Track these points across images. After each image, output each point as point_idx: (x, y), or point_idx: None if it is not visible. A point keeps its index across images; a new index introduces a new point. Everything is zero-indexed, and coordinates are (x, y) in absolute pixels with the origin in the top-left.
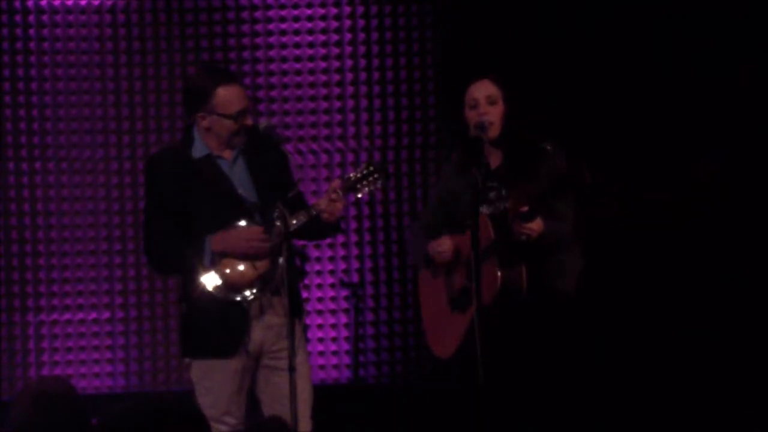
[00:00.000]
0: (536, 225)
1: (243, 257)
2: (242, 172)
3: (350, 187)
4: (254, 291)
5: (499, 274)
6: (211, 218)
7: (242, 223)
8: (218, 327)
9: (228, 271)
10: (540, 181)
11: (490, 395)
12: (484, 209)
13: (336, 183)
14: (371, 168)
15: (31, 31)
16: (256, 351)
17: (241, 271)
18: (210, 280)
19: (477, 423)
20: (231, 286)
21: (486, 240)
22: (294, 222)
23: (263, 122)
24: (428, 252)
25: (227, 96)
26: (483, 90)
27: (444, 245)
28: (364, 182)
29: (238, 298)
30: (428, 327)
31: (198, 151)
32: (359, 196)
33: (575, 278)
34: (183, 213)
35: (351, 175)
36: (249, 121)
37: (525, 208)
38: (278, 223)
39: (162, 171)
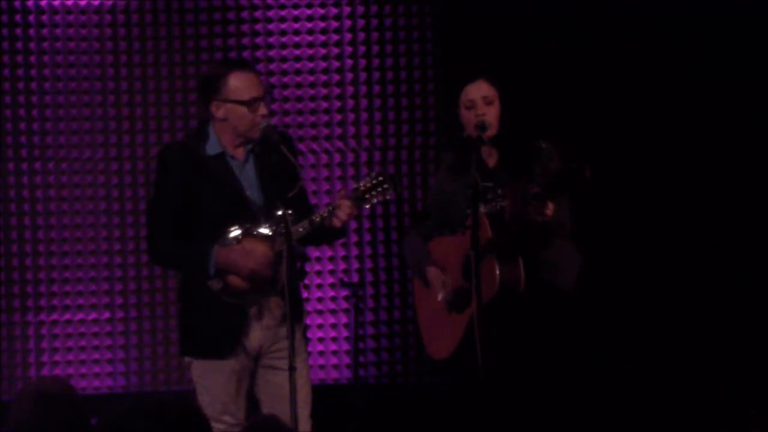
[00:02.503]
0: (550, 205)
1: (245, 278)
2: (251, 173)
3: (359, 198)
4: (257, 298)
5: (497, 272)
6: (215, 218)
7: (249, 229)
8: (216, 327)
9: (230, 280)
10: (536, 178)
11: (491, 394)
12: (481, 208)
13: (342, 193)
14: (380, 178)
15: (31, 31)
16: (255, 351)
17: (244, 281)
18: (213, 284)
19: (477, 422)
20: (234, 290)
21: (483, 239)
22: (300, 230)
23: (263, 122)
24: (427, 275)
25: (240, 82)
26: (479, 90)
27: (441, 286)
28: (373, 192)
29: (240, 302)
30: (424, 329)
31: (212, 148)
32: (367, 206)
33: (574, 276)
34: (187, 211)
35: (360, 184)
36: (263, 111)
37: (536, 190)
38: (280, 226)
39: (168, 167)
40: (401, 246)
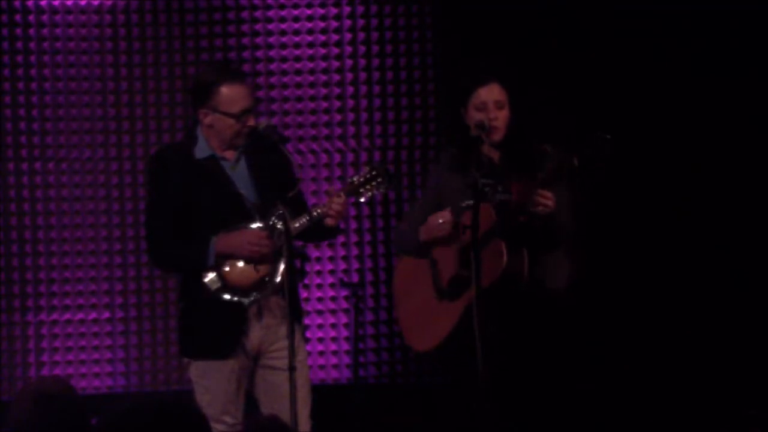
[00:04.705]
0: (549, 194)
1: (246, 260)
2: (244, 172)
3: (352, 192)
4: (257, 294)
5: (504, 257)
6: (213, 219)
7: (244, 225)
8: (216, 328)
9: (230, 273)
10: (538, 178)
11: (489, 389)
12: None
13: (337, 187)
14: (374, 172)
15: (31, 31)
16: (254, 351)
17: (243, 274)
18: (212, 282)
19: (477, 420)
20: (233, 287)
21: (488, 223)
22: (296, 225)
23: (263, 122)
24: (422, 235)
25: (231, 94)
26: (492, 94)
27: (444, 215)
28: (367, 186)
29: (240, 300)
30: (409, 322)
31: (201, 151)
32: (362, 200)
33: (565, 281)
34: (185, 212)
35: (354, 178)
36: (251, 122)
37: (540, 175)
38: (279, 225)
39: (165, 169)
40: (392, 241)
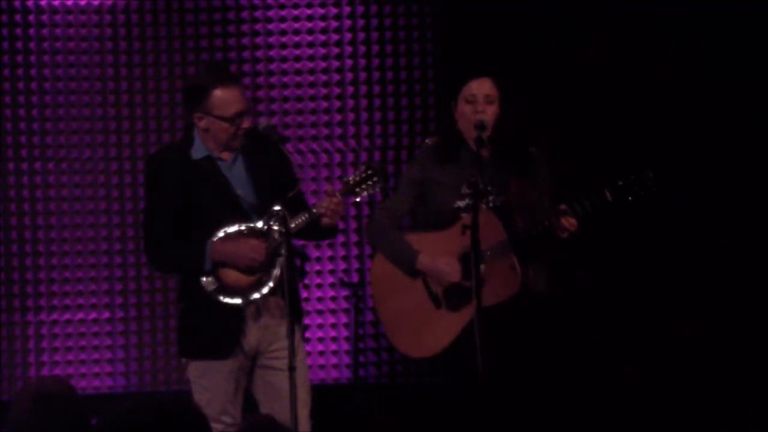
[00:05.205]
0: (576, 225)
1: (243, 270)
2: (241, 173)
3: (349, 191)
4: (255, 296)
5: (519, 273)
6: (210, 219)
7: (242, 227)
8: (214, 328)
9: (227, 275)
10: (534, 184)
11: (491, 394)
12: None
13: (334, 187)
14: (370, 171)
15: (31, 31)
16: (252, 351)
17: (240, 275)
18: (208, 283)
19: (477, 422)
20: (230, 289)
21: (497, 235)
22: (293, 225)
23: (263, 122)
24: (421, 264)
25: (224, 98)
26: (483, 88)
27: (451, 264)
28: (363, 185)
29: (237, 301)
30: (396, 325)
31: (197, 152)
32: (358, 199)
33: (547, 280)
34: (183, 213)
35: (350, 178)
36: (246, 124)
37: (563, 207)
38: (277, 225)
39: (163, 170)
40: (368, 230)
